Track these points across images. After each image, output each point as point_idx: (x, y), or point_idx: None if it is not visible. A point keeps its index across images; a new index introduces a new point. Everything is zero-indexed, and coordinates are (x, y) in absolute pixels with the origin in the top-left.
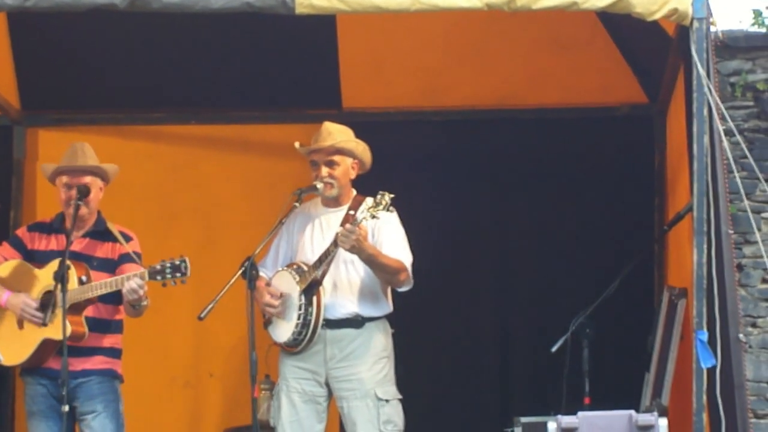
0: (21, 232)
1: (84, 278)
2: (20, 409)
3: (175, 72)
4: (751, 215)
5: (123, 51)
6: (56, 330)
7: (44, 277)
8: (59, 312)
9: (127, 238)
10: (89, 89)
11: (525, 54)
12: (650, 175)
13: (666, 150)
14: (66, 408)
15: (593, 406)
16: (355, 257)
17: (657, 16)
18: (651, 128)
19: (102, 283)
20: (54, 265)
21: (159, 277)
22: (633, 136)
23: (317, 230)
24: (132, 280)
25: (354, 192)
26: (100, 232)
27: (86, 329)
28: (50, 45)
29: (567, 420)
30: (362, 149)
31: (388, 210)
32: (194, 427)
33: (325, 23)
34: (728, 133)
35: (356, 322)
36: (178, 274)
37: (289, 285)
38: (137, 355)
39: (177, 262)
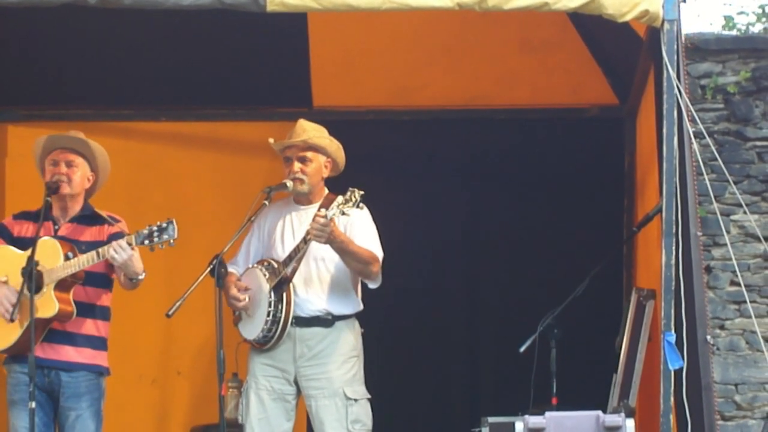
0: (6, 220)
1: (70, 254)
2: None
3: (145, 68)
4: (720, 217)
5: (93, 47)
6: (44, 309)
7: (25, 259)
8: (46, 290)
9: (116, 221)
10: (59, 85)
11: (495, 54)
12: (619, 177)
13: (635, 151)
14: (33, 405)
15: (561, 407)
16: (326, 255)
17: (628, 18)
18: (621, 130)
19: (87, 256)
20: (36, 247)
21: (147, 242)
22: (603, 137)
23: (288, 227)
24: (116, 242)
25: (326, 191)
26: (88, 217)
27: (74, 308)
28: (20, 41)
29: (534, 420)
30: (335, 148)
31: (358, 206)
32: (161, 425)
33: (296, 21)
34: (698, 135)
35: (326, 320)
36: (166, 236)
37: (259, 282)
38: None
39: (164, 225)
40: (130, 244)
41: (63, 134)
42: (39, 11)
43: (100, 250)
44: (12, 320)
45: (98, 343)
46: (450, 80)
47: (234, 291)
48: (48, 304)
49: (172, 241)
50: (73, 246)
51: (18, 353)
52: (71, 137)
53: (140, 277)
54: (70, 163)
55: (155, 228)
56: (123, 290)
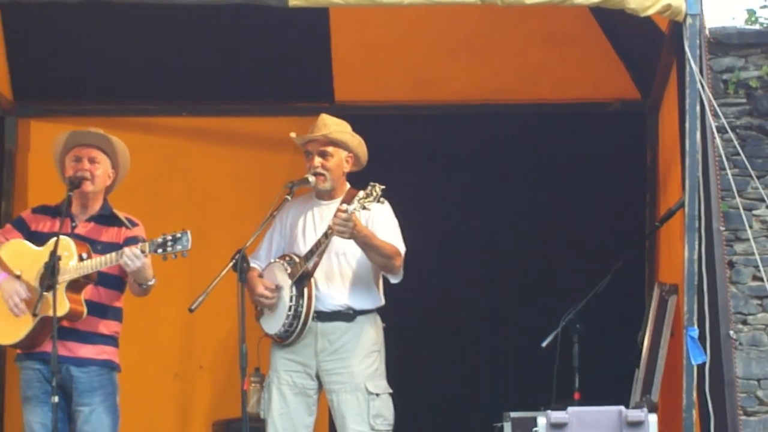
0: (26, 214)
1: (84, 255)
2: (10, 398)
3: (167, 63)
4: (742, 212)
5: (115, 42)
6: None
7: (43, 255)
8: (58, 290)
9: (133, 224)
10: (81, 80)
11: (517, 49)
12: (642, 171)
13: (658, 146)
14: (56, 399)
15: (583, 402)
16: (347, 249)
17: (650, 12)
18: (643, 124)
19: (101, 259)
20: (52, 244)
21: (160, 250)
22: (625, 131)
23: (310, 222)
24: (130, 248)
25: (348, 186)
26: (106, 217)
27: (85, 308)
28: (43, 36)
29: (556, 415)
30: (357, 143)
31: (378, 201)
32: (184, 419)
33: (318, 16)
34: (720, 129)
35: (348, 315)
36: (179, 247)
37: (280, 277)
38: (127, 347)
39: (178, 235)
40: (143, 252)
41: (85, 130)
42: (61, 7)
43: (114, 254)
44: (18, 315)
45: (109, 341)
46: (471, 75)
47: (262, 289)
48: (58, 304)
49: (185, 252)
50: (89, 247)
51: (27, 349)
52: (95, 133)
53: (150, 284)
54: (93, 159)
55: (169, 237)
56: None
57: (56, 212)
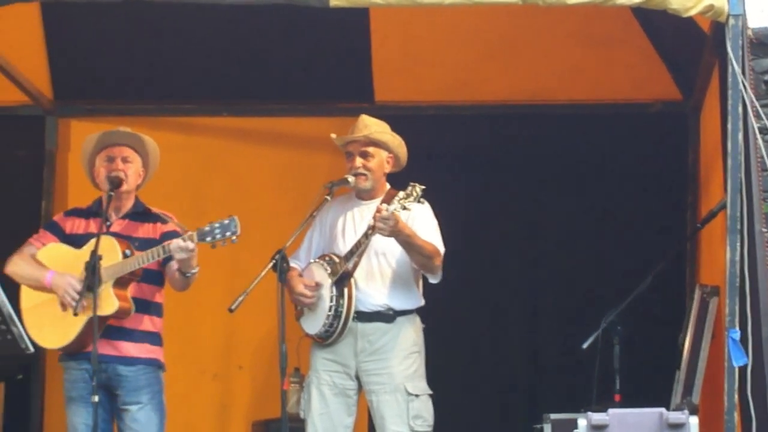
0: (58, 217)
1: (128, 252)
2: (51, 398)
3: (208, 63)
4: None
5: (156, 42)
6: (103, 306)
7: (84, 256)
8: (105, 288)
9: (167, 219)
10: (121, 80)
11: (558, 49)
12: (683, 172)
13: (699, 147)
14: (96, 398)
15: (623, 404)
16: (387, 249)
17: (692, 13)
18: (684, 125)
19: (147, 253)
20: (93, 243)
21: (208, 239)
22: (666, 132)
23: (350, 222)
24: (177, 240)
25: (388, 186)
26: (140, 213)
27: (132, 305)
28: (83, 35)
29: (597, 417)
30: (398, 143)
31: (419, 201)
32: (223, 419)
33: (358, 16)
34: (762, 130)
35: (387, 315)
36: (228, 233)
37: (320, 277)
38: (167, 347)
39: (226, 222)
40: (191, 241)
41: (117, 130)
42: (102, 6)
43: (159, 248)
44: (76, 314)
45: (155, 339)
46: (511, 75)
47: (301, 288)
48: (107, 302)
49: (234, 237)
50: (129, 244)
51: (75, 351)
52: (126, 132)
53: (194, 272)
54: (126, 158)
55: (217, 225)
56: None
57: (89, 213)
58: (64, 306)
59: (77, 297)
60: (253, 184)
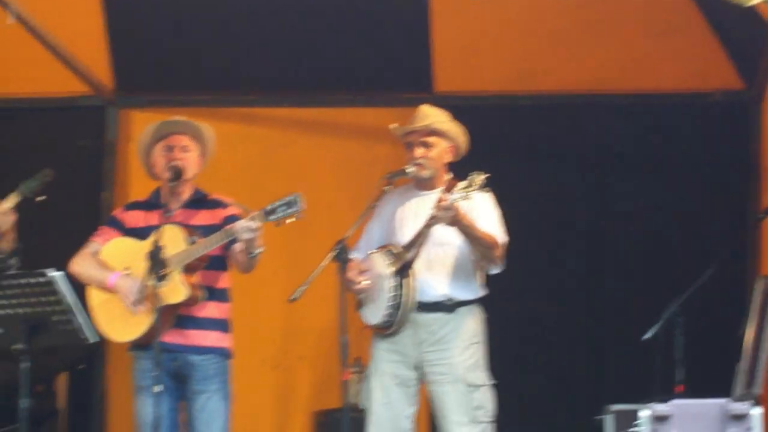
0: (117, 212)
1: (193, 239)
2: (113, 388)
3: (268, 54)
4: None
5: (216, 33)
6: (173, 294)
7: (148, 248)
8: (173, 276)
9: (227, 203)
10: (183, 70)
11: (620, 39)
12: (744, 162)
13: (761, 136)
14: (159, 388)
15: (685, 395)
16: (448, 239)
17: (754, 2)
18: (746, 114)
19: (212, 238)
20: (158, 234)
21: (272, 217)
22: (728, 122)
23: (410, 213)
24: (243, 220)
25: (448, 176)
26: (199, 201)
27: (202, 292)
28: (145, 26)
29: (659, 408)
30: (458, 133)
31: (481, 190)
32: (284, 409)
33: (418, 5)
34: None
35: (448, 306)
36: (292, 210)
37: (381, 267)
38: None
39: (289, 199)
40: (256, 220)
41: (175, 119)
42: None
43: (223, 232)
44: (136, 313)
45: (223, 326)
46: (572, 65)
47: (351, 273)
48: (177, 290)
49: (298, 214)
50: (193, 230)
51: (148, 342)
52: (184, 121)
53: (259, 251)
54: (185, 148)
55: (280, 203)
56: (246, 276)
57: (148, 205)
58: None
59: (137, 301)
60: (312, 175)
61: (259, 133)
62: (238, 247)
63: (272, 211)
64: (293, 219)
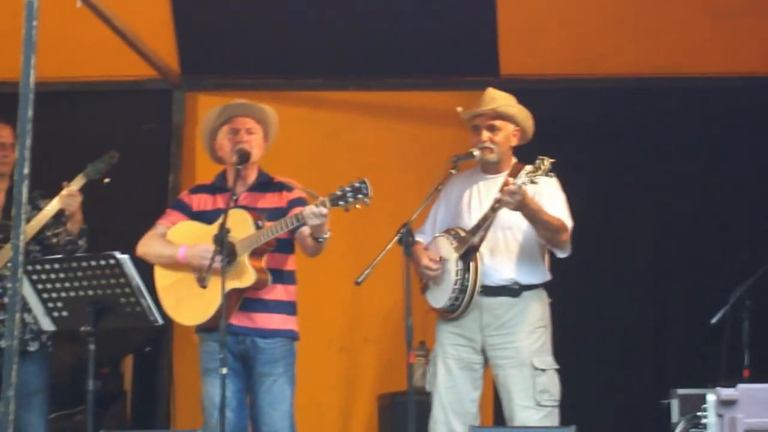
0: (184, 195)
1: (260, 223)
2: (179, 370)
3: (333, 38)
4: None
5: (282, 16)
6: (241, 279)
7: (215, 231)
8: (241, 260)
9: (292, 186)
10: (248, 54)
11: (686, 21)
12: None
13: None
14: (224, 370)
15: (753, 379)
16: (514, 223)
17: None
18: None
19: (280, 223)
20: (227, 216)
21: (341, 203)
22: None
23: (475, 196)
24: (312, 206)
25: (514, 160)
26: (265, 184)
27: (269, 276)
28: (211, 10)
29: (726, 392)
30: (524, 116)
31: (547, 175)
32: (349, 391)
33: None
34: None
35: (513, 290)
36: (360, 196)
37: (446, 251)
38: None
39: (357, 185)
40: (325, 206)
41: (239, 102)
42: None
43: (292, 217)
44: (204, 286)
45: (290, 308)
46: (638, 48)
47: (426, 260)
48: (245, 274)
49: (366, 199)
50: (260, 214)
51: (215, 325)
52: (248, 104)
53: (326, 236)
54: (250, 130)
55: (348, 188)
56: (312, 259)
57: (214, 189)
58: (200, 282)
59: (212, 260)
60: (378, 158)
61: (324, 117)
62: (305, 231)
63: (340, 197)
64: (361, 204)
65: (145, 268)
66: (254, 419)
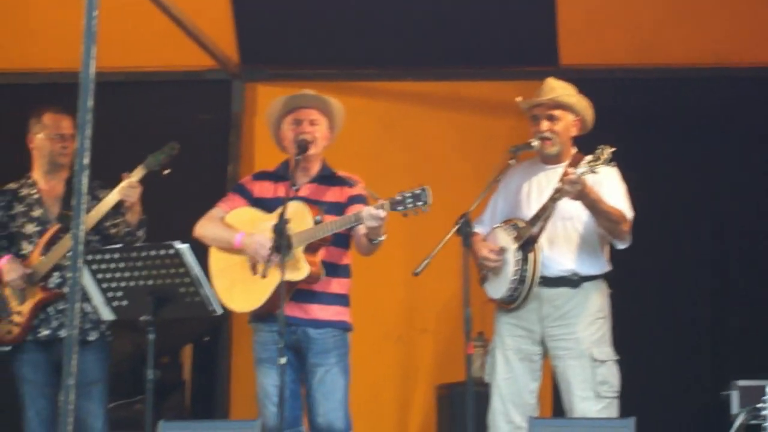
0: (246, 181)
1: (318, 218)
2: (237, 360)
3: (391, 28)
4: None
5: (340, 6)
6: (294, 271)
7: (273, 220)
8: (296, 253)
9: (353, 183)
10: (306, 44)
11: (743, 11)
12: None
13: None
14: (283, 360)
15: None
16: (573, 214)
17: None
18: None
19: (338, 221)
20: (286, 207)
21: (400, 208)
22: None
23: (535, 187)
24: (371, 208)
25: (574, 150)
26: (327, 177)
27: (322, 270)
28: (268, 1)
29: None
30: (584, 106)
31: (608, 164)
32: (406, 382)
33: None
34: None
35: (573, 281)
36: (419, 203)
37: (505, 241)
38: (351, 309)
39: (417, 191)
40: (384, 209)
41: (303, 93)
42: None
43: (351, 216)
44: (264, 276)
45: (342, 300)
46: (697, 38)
47: (486, 252)
48: (298, 267)
49: (425, 207)
50: (320, 209)
51: (265, 313)
52: (313, 95)
53: (381, 239)
54: (314, 122)
55: (408, 194)
56: None
57: (276, 177)
58: (254, 269)
59: (268, 255)
60: (435, 149)
61: (381, 107)
62: (361, 230)
63: (400, 202)
64: (420, 211)
65: (201, 252)
66: (309, 410)
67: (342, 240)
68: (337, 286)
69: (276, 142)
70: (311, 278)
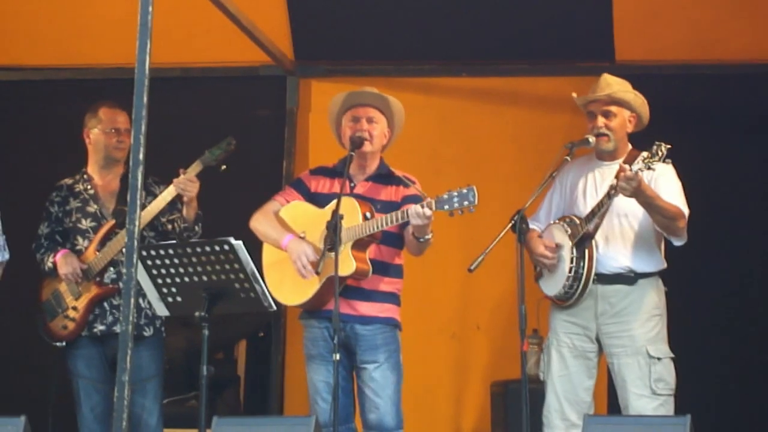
0: (304, 175)
1: (368, 214)
2: (291, 356)
3: (446, 23)
4: None
5: (394, 2)
6: (341, 267)
7: (326, 216)
8: (344, 249)
9: (410, 182)
10: (361, 40)
11: None
12: None
13: None
14: (338, 356)
15: None
16: (629, 210)
17: None
18: None
19: (386, 217)
20: (335, 204)
21: (446, 207)
22: None
23: (590, 183)
24: (415, 207)
25: (630, 146)
26: (383, 176)
27: (370, 267)
28: None
29: None
30: (640, 102)
31: (664, 161)
32: (461, 378)
33: None
34: None
35: (629, 278)
36: (466, 203)
37: (560, 238)
38: (404, 307)
39: (464, 191)
40: (430, 208)
41: (363, 90)
42: None
43: (399, 213)
44: (306, 277)
45: (392, 299)
46: (754, 34)
47: (542, 249)
48: (345, 263)
49: (471, 207)
50: (371, 206)
51: (313, 308)
52: (372, 93)
53: (428, 237)
54: (371, 119)
55: (455, 194)
56: None
57: (334, 173)
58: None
59: (307, 265)
60: (490, 145)
61: (436, 103)
62: (410, 229)
63: (446, 201)
64: (466, 211)
65: (256, 245)
66: (360, 406)
67: (395, 240)
68: (387, 285)
69: (337, 138)
70: (358, 274)
